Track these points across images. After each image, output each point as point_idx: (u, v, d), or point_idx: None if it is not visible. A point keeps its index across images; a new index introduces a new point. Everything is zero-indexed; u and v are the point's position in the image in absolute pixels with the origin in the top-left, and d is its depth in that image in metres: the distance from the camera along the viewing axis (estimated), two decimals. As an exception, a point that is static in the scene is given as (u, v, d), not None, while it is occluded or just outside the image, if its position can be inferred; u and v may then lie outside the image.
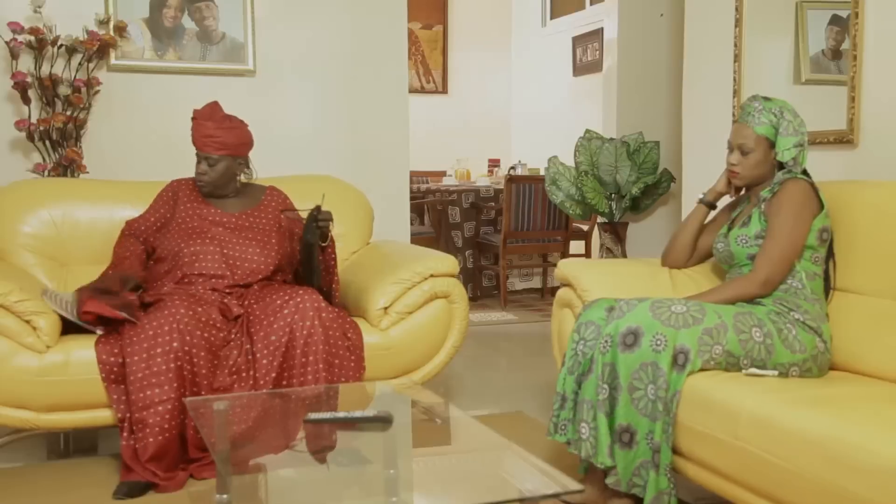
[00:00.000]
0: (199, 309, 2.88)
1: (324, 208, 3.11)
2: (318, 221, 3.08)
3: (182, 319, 2.78)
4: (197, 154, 3.22)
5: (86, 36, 3.91)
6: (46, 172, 3.80)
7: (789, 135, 2.69)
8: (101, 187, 3.51)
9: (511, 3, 8.61)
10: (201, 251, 3.13)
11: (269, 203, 3.36)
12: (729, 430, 2.22)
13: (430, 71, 8.55)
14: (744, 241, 2.71)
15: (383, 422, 2.29)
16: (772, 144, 2.72)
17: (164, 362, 2.72)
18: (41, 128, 3.81)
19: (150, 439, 2.69)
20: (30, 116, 3.84)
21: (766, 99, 2.74)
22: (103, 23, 4.00)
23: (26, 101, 3.82)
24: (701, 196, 3.00)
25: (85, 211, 3.38)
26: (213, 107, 3.25)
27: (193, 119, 3.22)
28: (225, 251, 3.15)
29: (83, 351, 2.81)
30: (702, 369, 2.43)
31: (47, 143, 3.85)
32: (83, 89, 3.90)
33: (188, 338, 2.77)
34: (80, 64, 3.92)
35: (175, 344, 2.74)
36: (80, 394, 2.80)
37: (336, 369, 2.91)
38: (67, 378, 2.78)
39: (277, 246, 3.24)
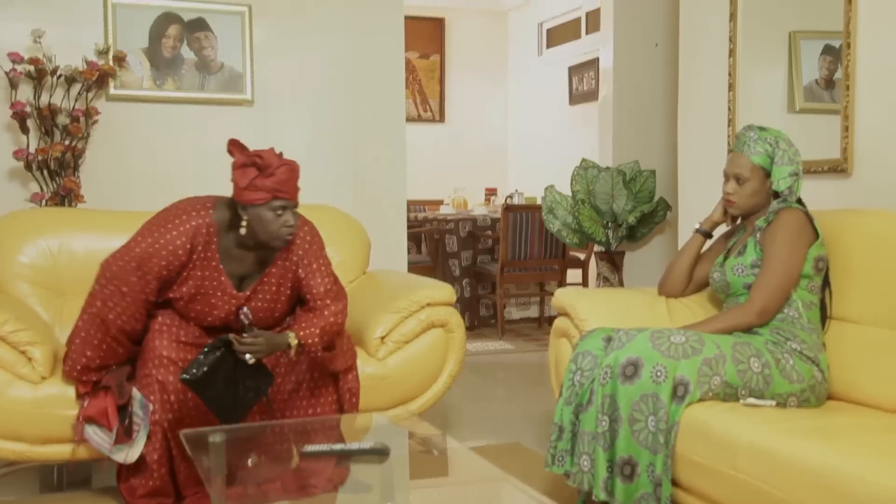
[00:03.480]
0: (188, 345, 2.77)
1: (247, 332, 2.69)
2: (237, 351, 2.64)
3: (169, 388, 2.69)
4: (283, 204, 2.67)
5: (85, 66, 3.93)
6: (44, 202, 3.81)
7: (784, 164, 2.70)
8: (98, 217, 3.51)
9: (508, 33, 8.68)
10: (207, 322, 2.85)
11: (284, 260, 2.87)
12: (728, 462, 2.21)
13: (427, 100, 8.60)
14: (740, 271, 2.71)
15: (380, 454, 2.28)
16: (767, 174, 2.73)
17: (154, 432, 2.68)
18: (39, 157, 3.83)
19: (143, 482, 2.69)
20: (28, 146, 3.85)
21: (762, 128, 2.76)
22: (102, 53, 4.02)
23: (25, 130, 3.84)
24: (697, 225, 3.01)
25: (82, 241, 3.37)
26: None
27: (274, 164, 2.67)
28: (231, 327, 2.84)
29: (79, 381, 2.80)
30: (700, 400, 2.42)
31: (45, 172, 3.86)
32: (82, 119, 3.92)
33: (178, 406, 2.72)
34: (79, 93, 3.94)
35: (168, 416, 2.70)
36: (75, 425, 2.78)
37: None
38: (62, 410, 2.76)
39: (284, 307, 2.92)
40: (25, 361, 2.76)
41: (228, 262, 2.78)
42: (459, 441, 2.60)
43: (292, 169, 2.70)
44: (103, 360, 2.73)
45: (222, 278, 2.77)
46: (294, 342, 2.70)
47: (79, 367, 2.72)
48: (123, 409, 2.69)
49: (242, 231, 2.70)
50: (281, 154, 2.72)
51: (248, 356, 2.62)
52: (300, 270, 2.84)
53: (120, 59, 4.08)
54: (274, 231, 2.68)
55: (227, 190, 2.77)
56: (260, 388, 2.70)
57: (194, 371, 2.59)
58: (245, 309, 2.77)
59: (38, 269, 3.29)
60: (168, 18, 4.24)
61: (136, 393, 2.68)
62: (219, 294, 2.78)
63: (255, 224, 2.68)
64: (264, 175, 2.64)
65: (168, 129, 4.24)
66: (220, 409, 2.65)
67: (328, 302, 2.82)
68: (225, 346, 2.61)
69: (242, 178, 2.65)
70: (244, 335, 2.66)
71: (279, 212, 2.67)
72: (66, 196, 3.84)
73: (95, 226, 3.44)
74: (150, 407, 2.66)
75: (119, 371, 2.77)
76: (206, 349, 2.63)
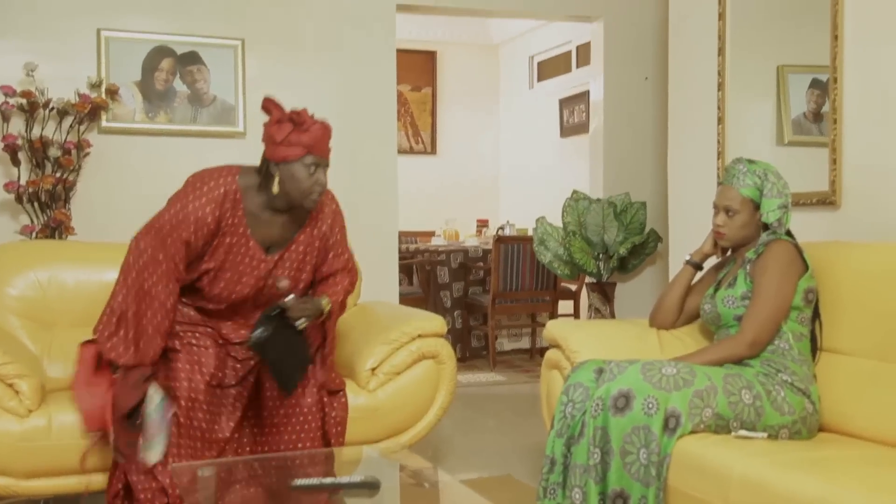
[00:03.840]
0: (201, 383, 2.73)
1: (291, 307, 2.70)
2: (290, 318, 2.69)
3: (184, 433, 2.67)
4: (315, 161, 2.68)
5: (77, 99, 3.95)
6: (34, 234, 3.80)
7: (773, 196, 2.72)
8: (88, 249, 3.50)
9: (499, 66, 8.75)
10: (237, 307, 2.83)
11: (312, 228, 2.86)
12: (720, 494, 2.20)
13: (419, 132, 8.64)
14: (730, 302, 2.72)
15: (370, 487, 2.26)
16: (757, 206, 2.75)
17: (164, 476, 2.64)
18: (30, 189, 3.83)
19: None
20: (19, 178, 3.86)
21: (751, 161, 2.78)
22: (95, 86, 4.04)
23: (16, 163, 3.84)
24: (688, 257, 3.02)
25: (72, 273, 3.36)
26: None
27: (309, 122, 2.70)
28: (257, 302, 2.84)
29: (66, 415, 2.78)
30: (692, 432, 2.42)
31: (36, 204, 3.86)
32: (73, 151, 3.94)
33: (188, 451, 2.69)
34: (70, 126, 3.95)
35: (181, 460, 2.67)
36: (62, 459, 2.75)
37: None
38: (50, 443, 2.74)
39: (308, 278, 2.90)
40: (13, 394, 2.74)
41: (256, 227, 2.75)
42: (450, 474, 2.58)
43: (326, 128, 2.72)
44: (136, 336, 2.68)
45: (250, 244, 2.75)
46: (328, 307, 2.78)
47: (109, 344, 2.67)
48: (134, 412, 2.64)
49: (275, 189, 2.68)
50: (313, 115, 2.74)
51: (300, 321, 2.68)
52: (329, 240, 2.89)
53: (112, 92, 4.10)
54: (307, 189, 2.68)
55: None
56: (305, 360, 2.78)
57: (260, 333, 2.62)
58: (283, 278, 2.78)
59: (27, 302, 3.28)
60: (161, 52, 4.27)
61: (155, 393, 2.65)
62: (247, 261, 2.76)
63: (288, 182, 2.67)
64: (300, 130, 2.65)
65: (160, 161, 4.25)
66: (281, 375, 2.71)
67: (346, 274, 2.94)
68: (280, 312, 2.65)
69: (278, 132, 2.66)
70: (290, 298, 2.69)
71: (312, 169, 2.67)
72: (56, 228, 3.84)
73: (85, 258, 3.42)
74: (173, 410, 2.64)
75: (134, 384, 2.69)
76: (264, 315, 2.67)
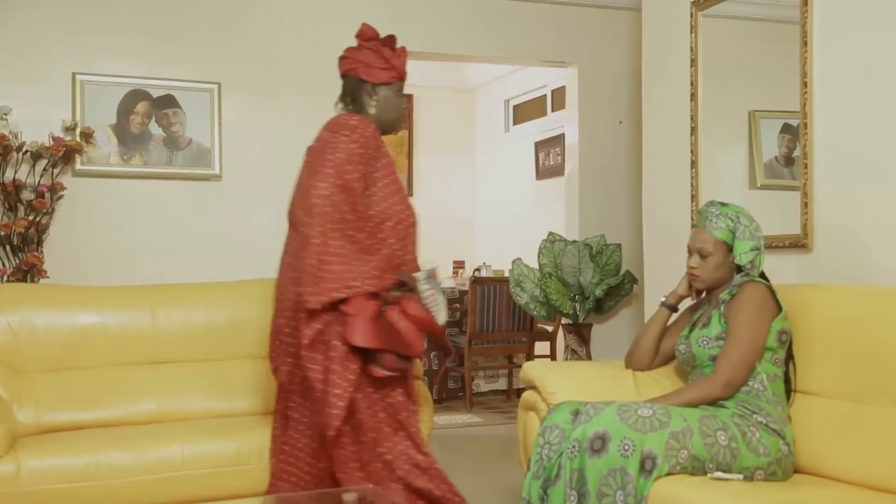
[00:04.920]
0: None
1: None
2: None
3: None
4: (402, 87, 2.88)
5: (51, 142, 3.93)
6: (5, 277, 3.76)
7: (746, 239, 2.75)
8: (60, 292, 3.46)
9: (475, 109, 8.82)
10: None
11: None
12: (697, 537, 2.19)
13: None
14: (705, 343, 2.73)
15: (346, 532, 2.23)
16: (730, 248, 2.78)
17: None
18: (2, 233, 3.80)
19: None
20: (-9, 221, 3.83)
21: (723, 204, 2.82)
22: (70, 129, 4.03)
23: (-12, 205, 3.82)
24: (663, 299, 3.04)
25: (44, 316, 3.31)
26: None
27: (399, 49, 2.85)
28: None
29: (34, 460, 2.73)
30: (668, 473, 2.41)
31: (8, 247, 3.83)
32: (47, 194, 3.91)
33: None
34: (44, 169, 3.93)
35: None
36: (30, 506, 2.70)
37: None
38: (18, 490, 2.68)
39: None
40: (-19, 441, 2.69)
41: None
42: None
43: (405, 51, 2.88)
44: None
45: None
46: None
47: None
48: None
49: (371, 111, 2.81)
50: None
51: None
52: None
53: (87, 135, 4.10)
54: (400, 112, 2.86)
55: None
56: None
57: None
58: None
59: (-2, 346, 3.23)
60: (136, 95, 4.27)
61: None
62: (399, 186, 2.83)
63: (385, 105, 2.82)
64: (396, 55, 2.82)
65: (135, 204, 4.24)
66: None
67: None
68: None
69: (379, 57, 2.80)
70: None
71: (400, 94, 2.85)
72: (28, 271, 3.81)
73: (58, 301, 3.39)
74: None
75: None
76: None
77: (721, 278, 2.82)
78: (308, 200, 2.65)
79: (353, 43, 2.84)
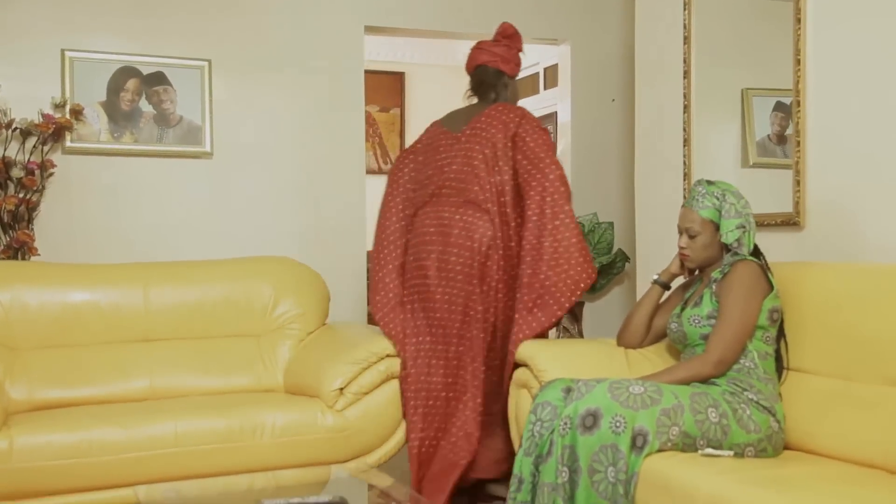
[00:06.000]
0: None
1: None
2: None
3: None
4: None
5: (41, 119, 3.91)
6: (-4, 255, 3.75)
7: (732, 217, 2.76)
8: (51, 270, 3.46)
9: (467, 87, 8.79)
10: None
11: None
12: (687, 513, 2.20)
13: (387, 153, 8.65)
14: (696, 322, 2.74)
15: (338, 508, 2.24)
16: (717, 227, 2.78)
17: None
18: (-8, 210, 3.78)
19: None
20: (-19, 199, 3.80)
21: (710, 183, 2.82)
22: (59, 106, 4.01)
23: (-22, 183, 3.79)
24: (655, 276, 3.04)
25: (35, 294, 3.32)
26: None
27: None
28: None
29: (27, 437, 2.73)
30: (659, 450, 2.43)
31: (-2, 225, 3.81)
32: (37, 172, 3.89)
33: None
34: (34, 146, 3.91)
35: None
36: (24, 482, 2.71)
37: None
38: (11, 466, 2.69)
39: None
40: (-27, 418, 2.70)
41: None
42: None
43: None
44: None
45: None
46: None
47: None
48: None
49: (507, 99, 3.45)
50: None
51: None
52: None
53: (77, 113, 4.07)
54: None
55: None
56: None
57: None
58: None
59: (-11, 323, 3.23)
60: (126, 72, 4.24)
61: None
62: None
63: (514, 94, 3.47)
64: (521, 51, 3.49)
65: (125, 182, 4.22)
66: None
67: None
68: None
69: (516, 53, 3.46)
70: None
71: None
72: (19, 249, 3.79)
73: (49, 279, 3.38)
74: None
75: None
76: None
77: (711, 257, 2.82)
78: (547, 183, 3.42)
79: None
